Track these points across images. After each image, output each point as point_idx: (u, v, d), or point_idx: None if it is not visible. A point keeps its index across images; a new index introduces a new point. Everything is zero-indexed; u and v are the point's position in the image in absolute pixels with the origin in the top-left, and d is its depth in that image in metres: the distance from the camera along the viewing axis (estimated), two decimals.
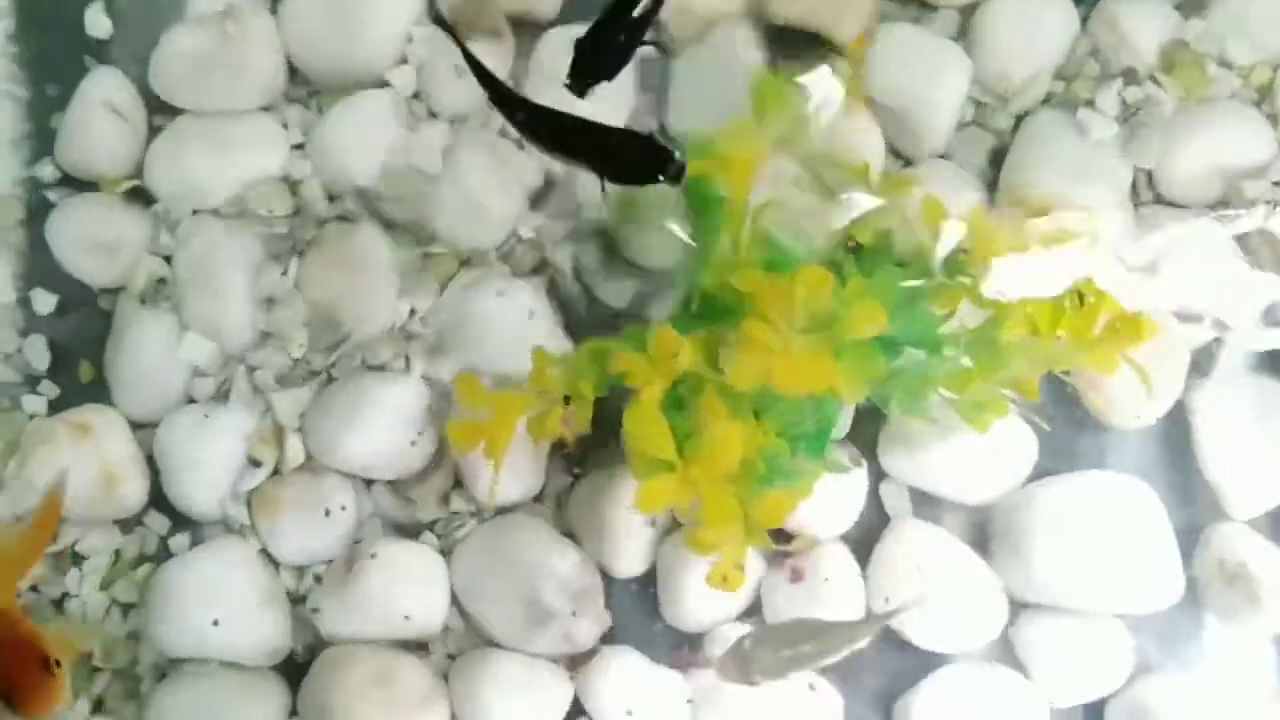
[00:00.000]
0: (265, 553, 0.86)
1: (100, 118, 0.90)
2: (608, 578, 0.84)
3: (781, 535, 0.82)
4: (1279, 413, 0.83)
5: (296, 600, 0.86)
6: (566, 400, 0.77)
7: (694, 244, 0.79)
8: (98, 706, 0.87)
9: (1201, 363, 0.85)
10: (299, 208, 0.90)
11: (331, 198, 0.90)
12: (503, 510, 0.86)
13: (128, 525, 0.89)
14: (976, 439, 0.79)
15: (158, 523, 0.89)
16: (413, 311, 0.88)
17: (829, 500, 0.81)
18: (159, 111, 0.92)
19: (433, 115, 0.90)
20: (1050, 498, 0.82)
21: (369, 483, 0.87)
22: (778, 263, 0.74)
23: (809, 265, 0.70)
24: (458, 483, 0.86)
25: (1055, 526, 0.81)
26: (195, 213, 0.90)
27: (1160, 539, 0.82)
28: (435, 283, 0.89)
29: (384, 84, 0.90)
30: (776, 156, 0.83)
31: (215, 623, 0.83)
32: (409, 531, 0.87)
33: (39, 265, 0.92)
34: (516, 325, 0.85)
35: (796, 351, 0.69)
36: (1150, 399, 0.81)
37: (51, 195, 0.92)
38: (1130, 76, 0.86)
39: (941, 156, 0.87)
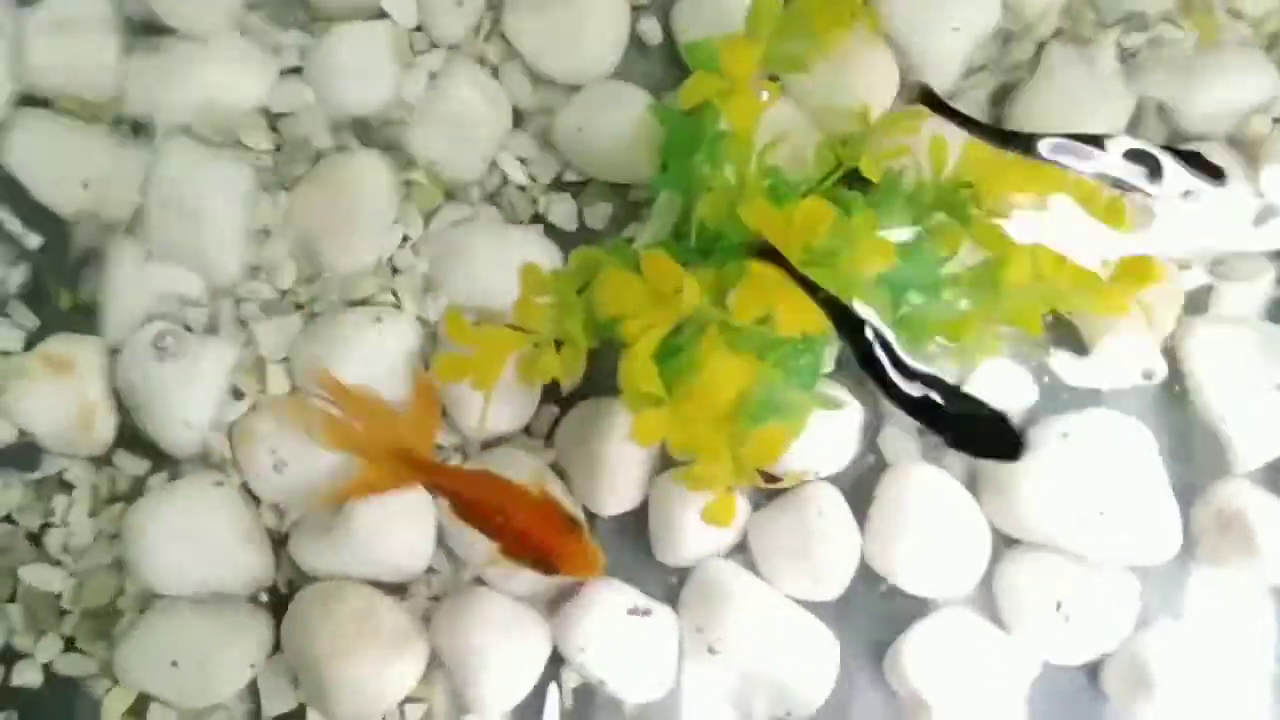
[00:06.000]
0: (246, 488, 0.85)
1: (70, 34, 0.87)
2: (595, 514, 0.83)
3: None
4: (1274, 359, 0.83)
5: (279, 534, 0.85)
6: (558, 345, 0.76)
7: (689, 173, 0.78)
8: (69, 645, 0.85)
9: (1196, 306, 0.85)
10: (287, 137, 0.88)
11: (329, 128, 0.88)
12: (490, 444, 0.85)
13: (99, 462, 0.87)
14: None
15: (130, 462, 0.87)
16: (405, 239, 0.87)
17: (822, 439, 0.80)
18: (134, 30, 0.89)
19: (434, 46, 0.89)
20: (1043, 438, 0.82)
21: None
22: (781, 194, 0.73)
23: (810, 199, 0.69)
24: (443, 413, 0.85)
25: (1048, 467, 0.81)
26: (179, 140, 0.87)
27: (1155, 482, 0.82)
28: (419, 214, 0.87)
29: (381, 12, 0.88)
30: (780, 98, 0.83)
31: (194, 558, 0.82)
32: None
33: (13, 194, 0.89)
34: (510, 267, 0.82)
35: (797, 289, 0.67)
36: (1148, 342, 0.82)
37: (16, 115, 0.89)
38: (1138, 21, 0.86)
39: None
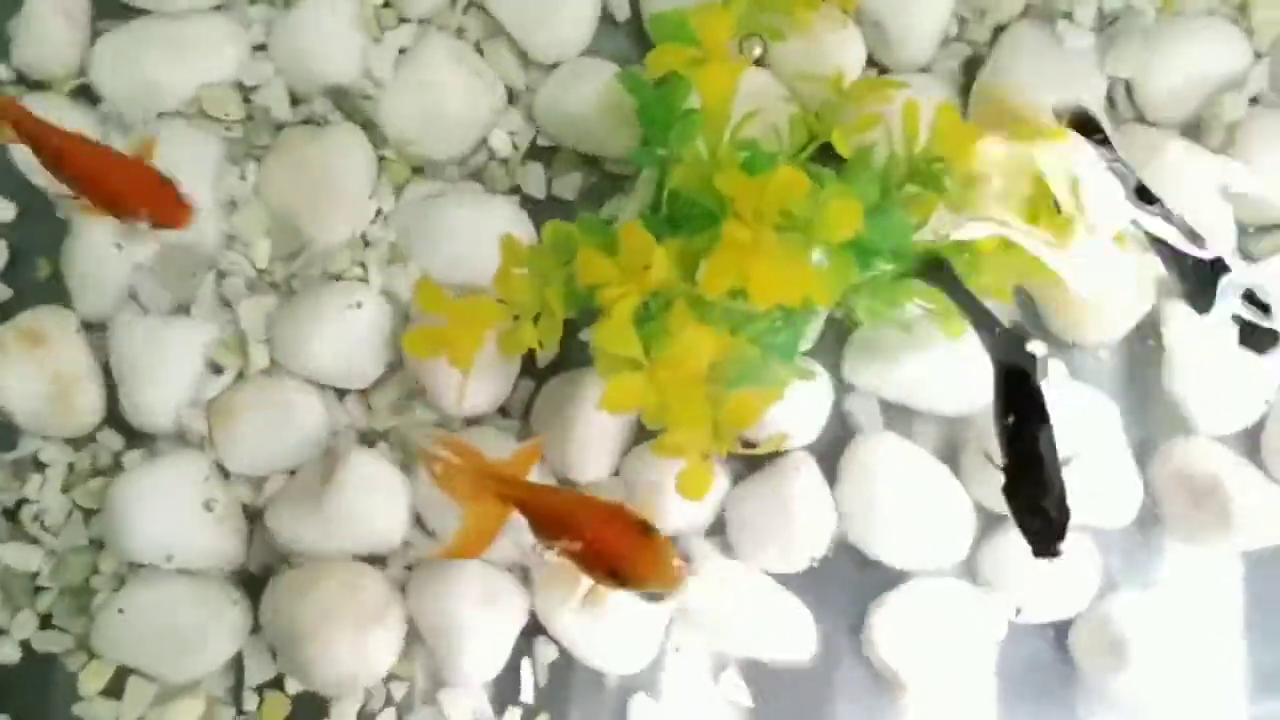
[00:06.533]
0: (220, 464, 0.85)
1: (50, 17, 0.88)
2: (572, 485, 0.83)
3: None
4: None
5: (253, 511, 0.85)
6: (536, 318, 0.76)
7: (665, 146, 0.78)
8: (45, 623, 0.85)
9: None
10: (258, 111, 0.88)
11: (296, 101, 0.88)
12: (470, 422, 0.85)
13: (80, 442, 0.87)
14: (947, 351, 0.80)
15: (111, 438, 0.87)
16: (379, 212, 0.87)
17: (793, 411, 0.80)
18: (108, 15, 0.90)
19: (403, 20, 0.89)
20: None
21: (341, 394, 0.86)
22: (755, 165, 0.73)
23: (784, 166, 0.69)
24: (421, 391, 0.85)
25: None
26: (159, 115, 0.88)
27: (1119, 453, 0.83)
28: (390, 189, 0.87)
29: None
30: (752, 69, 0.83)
31: (170, 535, 0.82)
32: (370, 441, 0.86)
33: None
34: (489, 239, 0.80)
35: (770, 253, 0.67)
36: (1115, 317, 0.83)
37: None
38: None
39: (922, 69, 0.87)
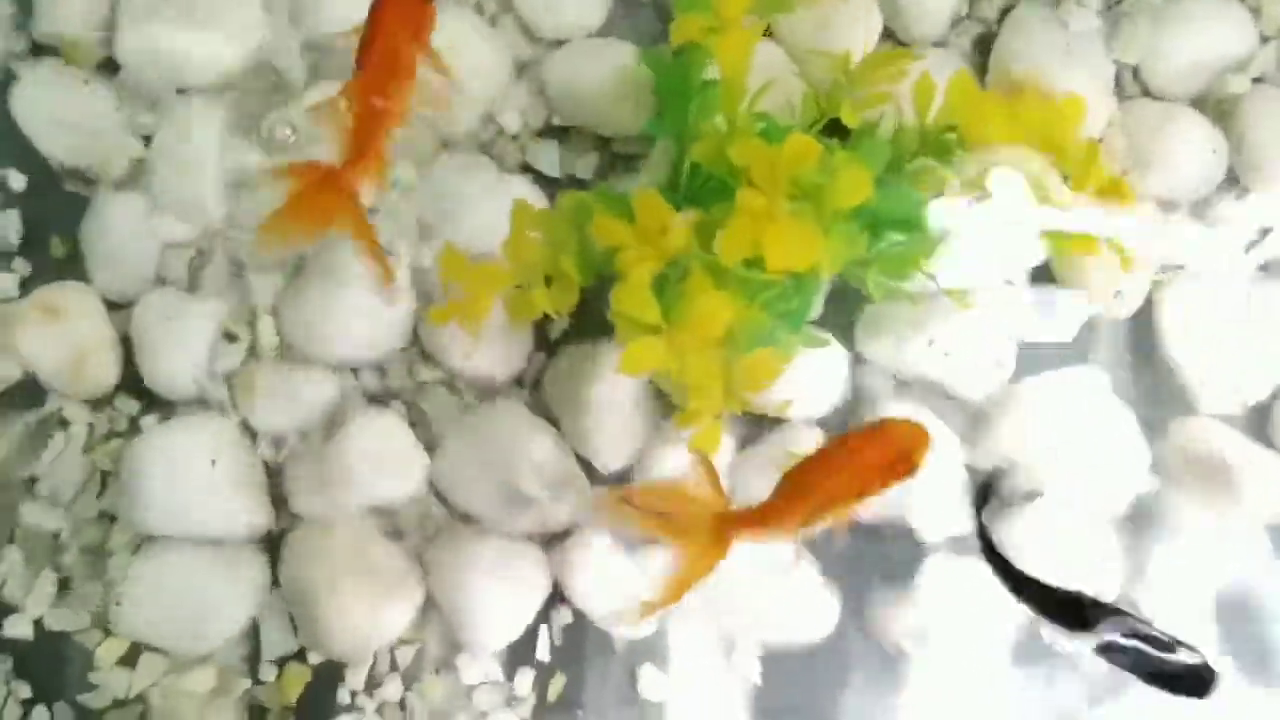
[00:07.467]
0: (244, 425, 0.86)
1: None
2: (585, 461, 0.84)
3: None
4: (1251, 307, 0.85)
5: (274, 475, 0.85)
6: (548, 281, 0.77)
7: (683, 120, 0.79)
8: (63, 587, 0.85)
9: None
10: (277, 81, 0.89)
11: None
12: (482, 391, 0.86)
13: (99, 405, 0.88)
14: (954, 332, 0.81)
15: (128, 404, 0.87)
16: (394, 183, 0.88)
17: (807, 381, 0.82)
18: None
19: None
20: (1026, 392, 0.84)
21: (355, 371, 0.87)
22: (771, 137, 0.74)
23: (796, 135, 0.70)
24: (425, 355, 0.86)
25: (1031, 419, 0.82)
26: (180, 92, 0.88)
27: (1129, 431, 0.83)
28: (412, 164, 0.88)
29: None
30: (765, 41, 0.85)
31: (190, 495, 0.82)
32: (381, 402, 0.86)
33: (8, 143, 0.89)
34: (499, 215, 0.81)
35: (784, 221, 0.68)
36: (1125, 291, 0.84)
37: (20, 67, 0.90)
38: None
39: (936, 44, 0.88)
